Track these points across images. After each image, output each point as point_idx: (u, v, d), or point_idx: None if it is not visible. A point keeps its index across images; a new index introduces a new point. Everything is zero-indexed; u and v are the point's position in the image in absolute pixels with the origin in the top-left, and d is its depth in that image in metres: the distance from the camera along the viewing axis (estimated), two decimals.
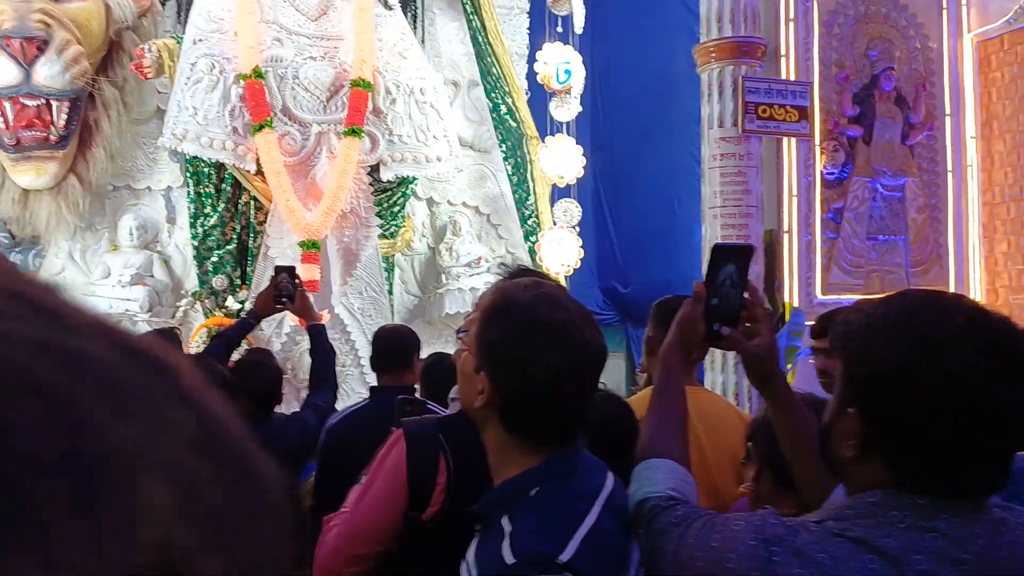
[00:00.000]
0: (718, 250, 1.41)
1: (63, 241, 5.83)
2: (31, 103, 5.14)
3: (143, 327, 5.48)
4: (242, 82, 5.38)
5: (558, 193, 6.81)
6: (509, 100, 6.83)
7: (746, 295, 1.40)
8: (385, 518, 1.58)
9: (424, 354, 6.22)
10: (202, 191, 5.57)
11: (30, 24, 4.98)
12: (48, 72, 5.07)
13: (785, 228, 5.67)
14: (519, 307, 1.29)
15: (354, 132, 5.55)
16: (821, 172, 5.78)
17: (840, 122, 5.90)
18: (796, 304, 5.50)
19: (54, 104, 5.22)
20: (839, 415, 1.07)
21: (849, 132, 5.93)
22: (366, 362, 5.69)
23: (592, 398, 1.33)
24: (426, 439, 1.60)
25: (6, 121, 5.15)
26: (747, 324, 1.40)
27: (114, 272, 5.73)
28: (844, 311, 1.10)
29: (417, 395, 3.32)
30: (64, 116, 5.31)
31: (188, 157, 5.47)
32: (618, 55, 8.51)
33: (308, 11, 5.71)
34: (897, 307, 1.03)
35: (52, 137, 5.30)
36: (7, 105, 5.10)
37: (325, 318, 5.54)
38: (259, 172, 5.46)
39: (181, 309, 5.72)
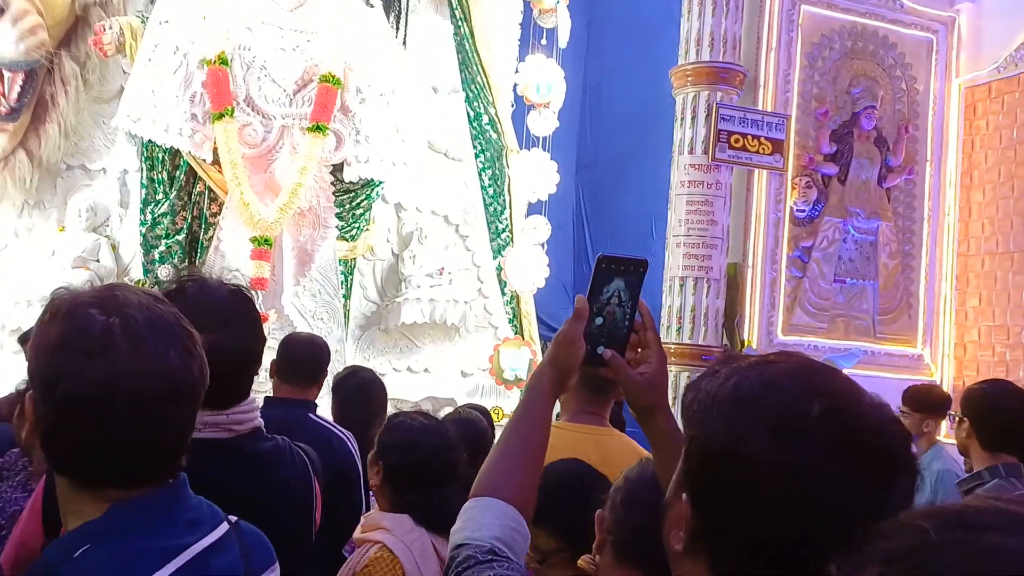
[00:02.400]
0: (604, 262, 1.23)
1: (11, 217, 5.64)
2: None
3: None
4: (206, 67, 5.21)
5: (532, 209, 6.66)
6: (492, 110, 6.69)
7: (637, 317, 1.24)
8: (30, 557, 1.34)
9: (378, 366, 6.12)
10: (155, 176, 5.40)
11: None
12: (1, 41, 4.89)
13: (749, 263, 5.51)
14: (68, 313, 1.02)
15: (319, 128, 5.39)
16: (791, 208, 5.63)
17: (815, 158, 5.75)
18: (755, 344, 5.34)
19: (6, 75, 5.06)
20: (674, 498, 0.90)
21: (824, 170, 5.78)
22: None
23: (180, 429, 1.05)
24: None
25: None
26: (638, 350, 1.25)
27: (58, 253, 5.54)
28: (702, 375, 0.92)
29: (322, 411, 3.14)
30: (17, 88, 5.15)
31: (143, 140, 5.30)
32: (610, 76, 8.41)
33: (284, 1, 5.55)
34: (753, 379, 0.87)
35: (2, 108, 5.15)
36: None
37: (272, 319, 5.38)
38: (216, 162, 5.30)
39: None
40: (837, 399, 0.83)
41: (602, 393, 2.20)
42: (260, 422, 1.62)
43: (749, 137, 5.23)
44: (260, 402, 1.90)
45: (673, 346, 5.46)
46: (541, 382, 1.24)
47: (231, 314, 1.52)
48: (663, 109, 6.08)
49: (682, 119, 5.39)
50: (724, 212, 5.32)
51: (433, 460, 2.01)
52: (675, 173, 5.51)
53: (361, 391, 3.20)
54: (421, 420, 2.17)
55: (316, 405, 3.04)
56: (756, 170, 5.53)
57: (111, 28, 5.20)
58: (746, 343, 5.31)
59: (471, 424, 3.05)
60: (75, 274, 5.37)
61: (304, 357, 3.02)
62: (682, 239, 5.35)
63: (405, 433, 2.06)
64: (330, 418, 3.14)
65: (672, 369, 5.50)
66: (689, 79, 5.32)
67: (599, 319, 1.22)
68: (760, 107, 5.49)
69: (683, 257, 5.39)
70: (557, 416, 2.29)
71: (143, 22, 5.34)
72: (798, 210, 5.65)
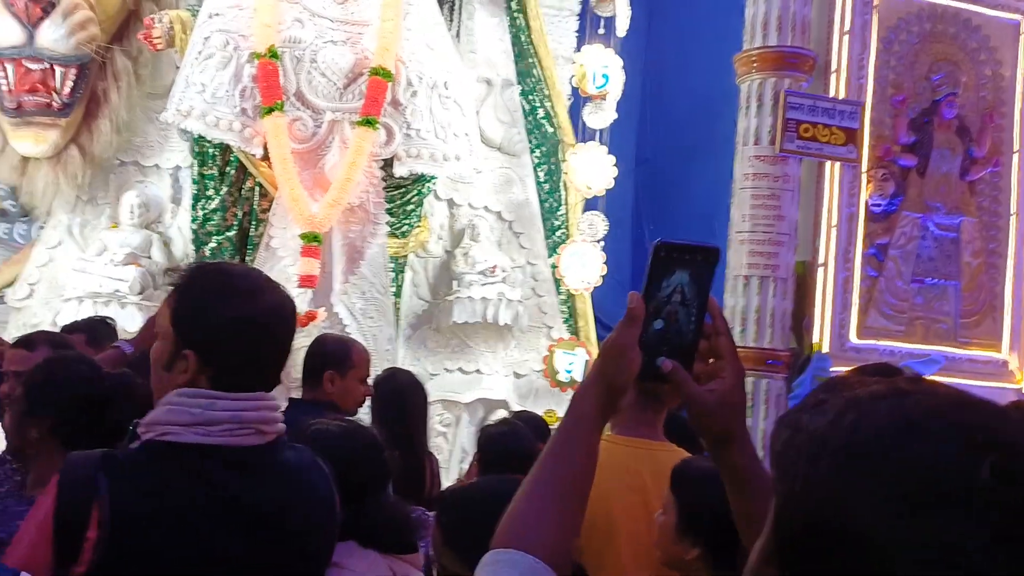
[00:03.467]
0: (663, 250, 0.99)
1: (63, 214, 5.64)
2: (35, 67, 4.96)
3: (132, 309, 5.26)
4: (256, 61, 5.12)
5: (589, 205, 6.44)
6: (548, 104, 6.51)
7: (707, 318, 1.00)
8: (37, 571, 1.28)
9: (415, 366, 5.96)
10: (206, 172, 5.33)
11: None
12: (52, 35, 4.87)
13: (820, 261, 5.16)
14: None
15: (368, 123, 5.26)
16: (866, 203, 5.26)
17: (892, 149, 5.37)
18: (825, 347, 5.00)
19: (58, 70, 5.02)
20: (760, 570, 0.68)
21: (901, 161, 5.40)
22: None
23: None
24: (79, 482, 1.30)
25: (8, 83, 4.97)
26: (710, 360, 1.01)
27: (110, 249, 5.51)
28: (801, 405, 0.66)
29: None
30: (69, 83, 5.12)
31: (194, 136, 5.24)
32: (671, 67, 8.15)
33: None
34: (881, 419, 0.61)
35: (55, 104, 5.11)
36: (9, 67, 4.92)
37: (322, 316, 5.26)
38: (266, 157, 5.20)
39: None
40: (1016, 456, 0.56)
41: (658, 401, 1.97)
42: (283, 427, 1.50)
43: (820, 126, 4.90)
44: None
45: (737, 349, 5.17)
46: (585, 403, 1.00)
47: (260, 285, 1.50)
48: (727, 99, 5.80)
49: (747, 108, 5.09)
50: (792, 207, 5.01)
51: (357, 469, 1.75)
52: (739, 165, 5.22)
53: (399, 394, 3.03)
54: (339, 425, 1.94)
55: (336, 406, 2.88)
56: (827, 162, 5.20)
57: (161, 21, 5.15)
58: (816, 346, 5.00)
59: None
60: (126, 270, 5.34)
61: (324, 354, 2.87)
62: (746, 236, 5.05)
63: (324, 443, 1.76)
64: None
65: None
66: (754, 65, 5.03)
67: (658, 322, 0.99)
68: (832, 94, 5.17)
69: (747, 255, 5.09)
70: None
71: (193, 15, 5.27)
72: (873, 204, 5.29)
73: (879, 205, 5.31)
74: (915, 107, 5.44)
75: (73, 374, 1.97)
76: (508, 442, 2.56)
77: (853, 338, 5.20)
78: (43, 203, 5.48)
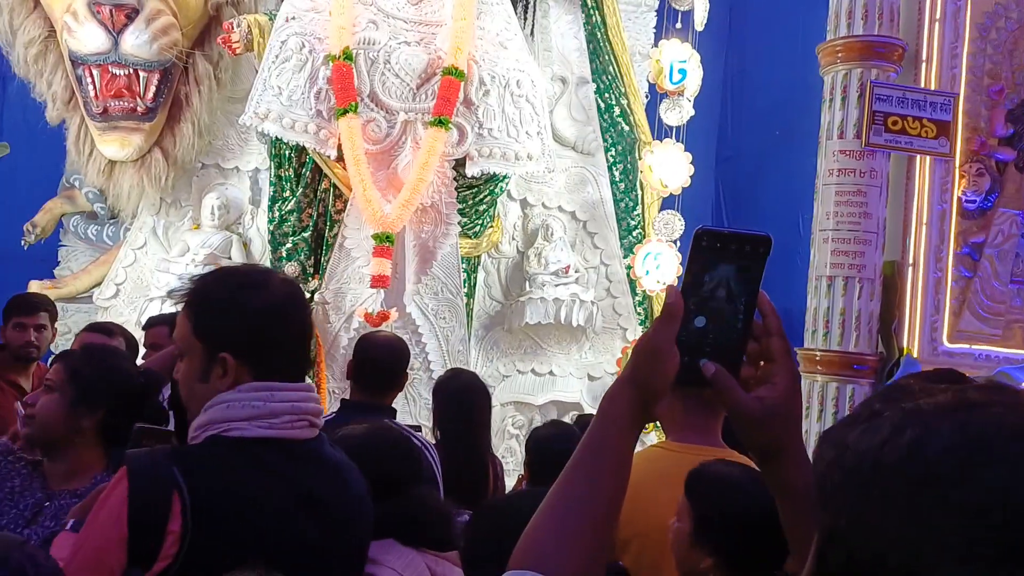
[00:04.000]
0: (705, 238, 0.89)
1: (148, 215, 5.81)
2: (119, 72, 5.11)
3: None
4: (331, 64, 5.16)
5: (666, 204, 6.30)
6: (624, 102, 6.40)
7: (756, 317, 0.90)
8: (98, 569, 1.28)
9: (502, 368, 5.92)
10: (282, 174, 5.41)
11: None
12: (135, 41, 5.01)
13: (910, 261, 4.88)
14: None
15: (441, 123, 5.24)
16: (959, 199, 4.96)
17: (988, 143, 5.04)
18: (916, 352, 4.74)
19: (142, 75, 5.17)
20: None
21: (998, 155, 5.06)
22: (436, 367, 5.38)
23: None
24: (154, 476, 1.32)
25: (95, 89, 5.13)
26: (761, 364, 0.89)
27: (191, 250, 5.66)
28: (848, 419, 0.55)
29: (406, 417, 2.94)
30: (153, 88, 5.26)
31: (271, 138, 5.32)
32: (752, 60, 7.91)
33: None
34: (947, 437, 0.49)
35: (139, 108, 5.26)
36: (95, 73, 5.08)
37: (394, 316, 5.27)
38: (340, 158, 5.24)
39: None
40: None
41: (713, 405, 1.86)
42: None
43: (909, 119, 4.64)
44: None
45: (819, 353, 4.94)
46: (615, 407, 0.90)
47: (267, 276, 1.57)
48: (812, 92, 5.57)
49: (830, 100, 4.86)
50: (880, 204, 4.75)
51: (382, 467, 1.76)
52: (822, 161, 4.99)
53: (461, 395, 2.97)
54: (364, 427, 1.96)
55: (395, 411, 2.84)
56: (918, 156, 4.92)
57: (239, 26, 5.24)
58: (905, 351, 4.74)
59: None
60: (207, 270, 5.45)
61: (384, 362, 2.82)
62: (830, 234, 4.82)
63: (349, 444, 1.77)
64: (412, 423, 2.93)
65: (817, 379, 5.00)
66: (839, 56, 4.79)
67: (700, 320, 0.89)
68: (923, 85, 4.89)
69: (832, 254, 4.86)
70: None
71: (271, 19, 5.36)
72: (967, 201, 4.98)
73: (973, 201, 5.00)
74: (1013, 98, 5.09)
75: (126, 368, 1.99)
76: (556, 444, 2.48)
77: (945, 342, 4.91)
78: (129, 205, 5.66)
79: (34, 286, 5.76)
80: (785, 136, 6.88)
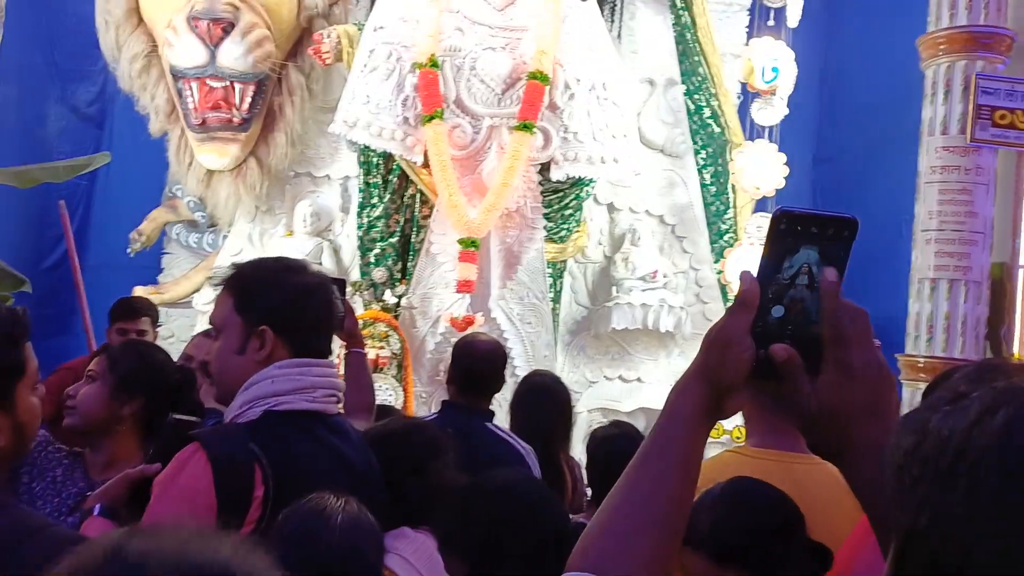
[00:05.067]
0: (784, 220, 0.82)
1: (244, 223, 6.00)
2: (217, 84, 5.29)
3: None
4: (417, 71, 5.22)
5: (760, 207, 6.12)
6: (714, 103, 6.26)
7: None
8: None
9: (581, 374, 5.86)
10: (370, 181, 5.49)
11: (219, 6, 5.11)
12: (232, 54, 5.18)
13: (1020, 262, 4.60)
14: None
15: (526, 127, 5.24)
16: None
17: None
18: None
19: (237, 87, 5.33)
20: None
21: None
22: (522, 372, 5.35)
23: None
24: (236, 453, 1.42)
25: (194, 101, 5.33)
26: (839, 353, 0.80)
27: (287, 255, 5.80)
28: (930, 402, 0.49)
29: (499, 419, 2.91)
30: (248, 99, 5.42)
31: (360, 146, 5.41)
32: (852, 59, 7.61)
33: (495, 1, 5.46)
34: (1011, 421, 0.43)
35: (235, 119, 5.43)
36: (194, 85, 5.28)
37: (479, 322, 5.28)
38: (426, 164, 5.30)
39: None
40: None
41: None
42: None
43: (1019, 112, 4.37)
44: None
45: (921, 360, 4.70)
46: (683, 402, 0.84)
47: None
48: (911, 90, 5.32)
49: (932, 95, 4.63)
50: (987, 202, 4.49)
51: (387, 450, 1.80)
52: (924, 158, 4.75)
53: (535, 395, 2.93)
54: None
55: (492, 413, 2.83)
56: None
57: (329, 37, 5.36)
58: (1015, 357, 4.45)
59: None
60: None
61: (484, 365, 2.82)
62: (933, 235, 4.58)
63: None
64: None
65: (920, 387, 4.74)
66: (941, 48, 4.56)
67: (778, 309, 0.81)
68: None
69: (935, 256, 4.61)
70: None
71: (360, 29, 5.46)
72: None
73: None
74: None
75: (163, 361, 2.06)
76: (617, 445, 2.41)
77: None
78: (226, 213, 5.85)
79: (138, 292, 6.01)
80: (886, 134, 6.59)
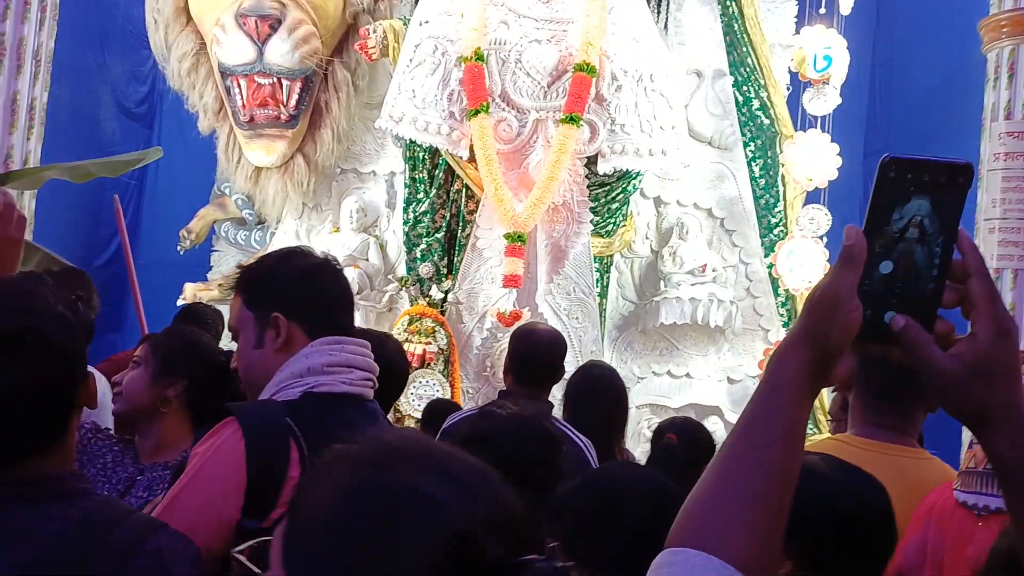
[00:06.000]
0: (894, 167, 0.76)
1: (291, 220, 6.03)
2: (264, 81, 5.32)
3: None
4: (463, 65, 5.20)
5: (811, 199, 5.99)
6: (764, 94, 6.15)
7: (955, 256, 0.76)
8: (207, 532, 1.26)
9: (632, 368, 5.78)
10: (416, 176, 5.48)
11: (266, 3, 5.14)
12: (278, 51, 5.20)
13: None
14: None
15: (572, 120, 5.17)
16: None
17: None
18: None
19: (284, 83, 5.36)
20: None
21: None
22: (570, 367, 5.26)
23: None
24: (271, 426, 1.36)
25: (242, 98, 5.36)
26: (988, 309, 0.75)
27: (331, 252, 5.81)
28: None
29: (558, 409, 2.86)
30: (295, 96, 5.44)
31: (405, 141, 5.40)
32: (904, 48, 7.42)
33: None
34: None
35: (282, 116, 5.45)
36: (243, 83, 5.31)
37: (526, 316, 5.23)
38: (472, 159, 5.26)
39: (387, 294, 5.68)
40: None
41: (905, 394, 1.64)
42: None
43: None
44: None
45: None
46: (786, 368, 0.77)
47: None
48: (972, 73, 5.15)
49: (995, 79, 4.48)
50: None
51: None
52: (986, 144, 4.60)
53: (592, 386, 2.88)
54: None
55: (552, 404, 2.79)
56: None
57: (375, 32, 5.36)
58: None
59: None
60: (346, 272, 5.58)
61: (545, 355, 2.78)
62: (997, 223, 4.42)
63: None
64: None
65: None
66: (1004, 30, 4.41)
67: (886, 265, 0.76)
68: None
69: (998, 245, 4.45)
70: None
71: (405, 24, 5.45)
72: None
73: None
74: None
75: (207, 343, 2.07)
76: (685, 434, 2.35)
77: None
78: (273, 210, 5.88)
79: (188, 288, 6.08)
80: (943, 122, 6.40)
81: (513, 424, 1.72)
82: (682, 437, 2.39)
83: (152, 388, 1.92)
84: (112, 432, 2.02)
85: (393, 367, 2.36)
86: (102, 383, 2.26)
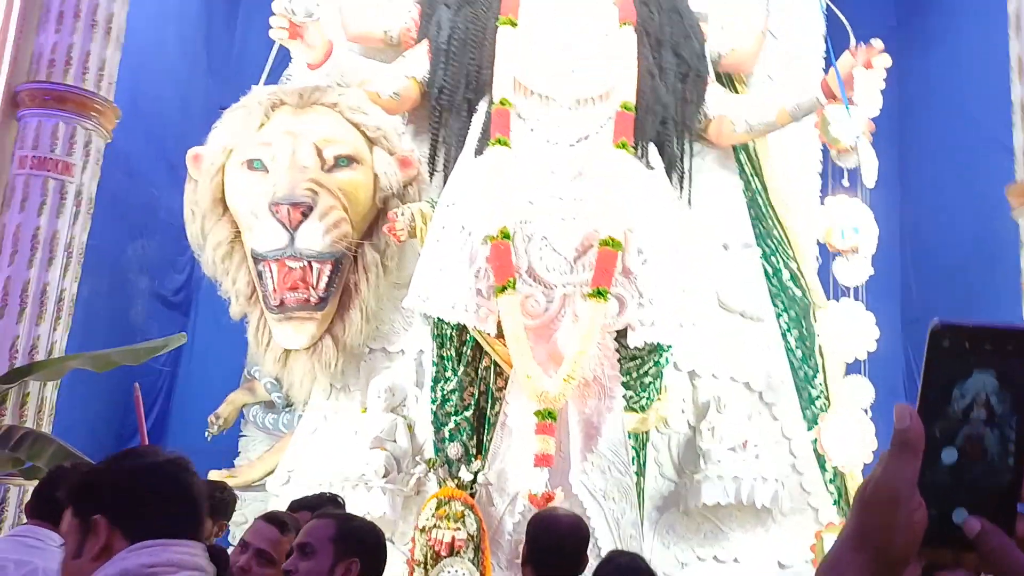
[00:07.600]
0: (948, 336, 0.63)
1: (320, 401, 5.94)
2: (295, 265, 5.40)
3: (376, 493, 5.29)
4: (489, 243, 5.26)
5: (851, 371, 5.81)
6: (793, 265, 6.13)
7: None
8: None
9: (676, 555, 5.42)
10: (444, 354, 5.42)
11: (299, 192, 5.30)
12: (309, 235, 5.31)
13: None
14: None
15: (599, 294, 5.14)
16: None
17: None
18: None
19: (315, 266, 5.43)
20: None
21: None
22: (604, 551, 4.98)
23: None
24: None
25: (273, 283, 5.43)
26: None
27: (360, 434, 5.68)
28: None
29: None
30: (325, 278, 5.50)
31: (433, 319, 5.39)
32: (930, 215, 7.46)
33: (564, 173, 5.54)
34: None
35: (312, 299, 5.49)
36: (273, 267, 5.40)
37: (559, 498, 4.98)
38: (500, 335, 5.21)
39: (415, 476, 5.47)
40: None
41: None
42: None
43: None
44: None
45: None
46: None
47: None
48: (1003, 239, 5.09)
49: None
50: None
51: None
52: None
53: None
54: None
55: None
56: None
57: (403, 215, 5.48)
58: None
59: None
60: (373, 455, 5.42)
61: (567, 543, 2.56)
62: None
63: None
64: None
65: None
66: None
67: (949, 453, 0.63)
68: None
69: None
70: None
71: (432, 207, 5.58)
72: None
73: None
74: None
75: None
76: None
77: None
78: (301, 392, 5.81)
79: (213, 476, 5.94)
80: (981, 287, 6.27)
81: None
82: None
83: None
84: None
85: None
86: None
